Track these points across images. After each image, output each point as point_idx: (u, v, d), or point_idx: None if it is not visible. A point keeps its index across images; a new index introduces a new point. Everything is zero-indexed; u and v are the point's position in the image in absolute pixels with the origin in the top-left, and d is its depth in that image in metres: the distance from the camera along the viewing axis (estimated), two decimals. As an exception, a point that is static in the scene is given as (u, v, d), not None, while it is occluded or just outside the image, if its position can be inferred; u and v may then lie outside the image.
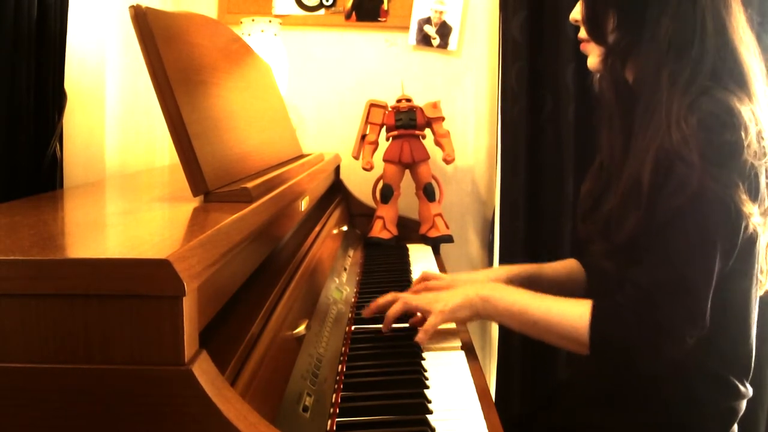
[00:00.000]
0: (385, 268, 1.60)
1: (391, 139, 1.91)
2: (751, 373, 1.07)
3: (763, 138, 0.97)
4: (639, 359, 1.00)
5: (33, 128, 1.27)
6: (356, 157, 1.91)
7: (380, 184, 1.90)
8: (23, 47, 1.23)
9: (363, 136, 1.91)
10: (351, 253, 1.61)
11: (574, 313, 1.02)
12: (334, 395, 0.90)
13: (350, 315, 1.24)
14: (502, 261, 2.02)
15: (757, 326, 1.09)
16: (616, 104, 1.11)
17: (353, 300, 1.34)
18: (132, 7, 0.88)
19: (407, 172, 1.92)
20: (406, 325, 1.17)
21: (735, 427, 1.08)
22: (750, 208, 0.95)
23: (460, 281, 1.24)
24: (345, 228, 1.73)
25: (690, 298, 0.96)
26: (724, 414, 1.06)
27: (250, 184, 0.93)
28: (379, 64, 2.11)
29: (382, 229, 1.84)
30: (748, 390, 1.07)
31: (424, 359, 1.05)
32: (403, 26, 2.09)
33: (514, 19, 1.95)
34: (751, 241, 1.01)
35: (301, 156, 1.59)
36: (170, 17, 0.98)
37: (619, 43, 1.06)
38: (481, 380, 0.98)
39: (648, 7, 1.02)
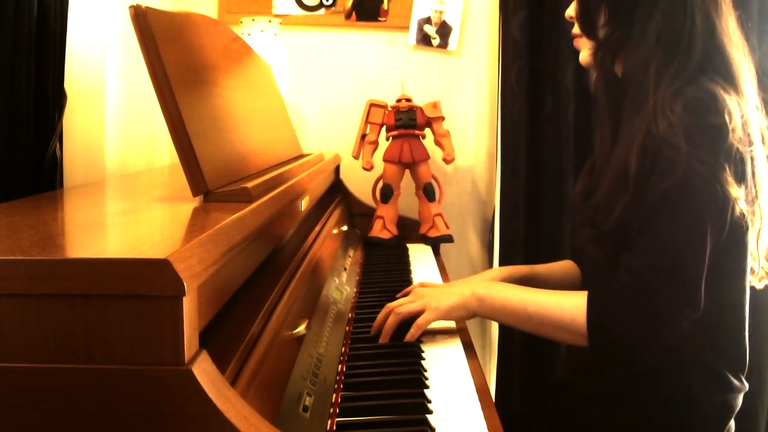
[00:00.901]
0: (385, 268, 1.60)
1: (391, 139, 1.91)
2: (746, 367, 1.08)
3: (748, 126, 0.99)
4: (636, 346, 1.00)
5: (33, 128, 1.28)
6: (356, 157, 1.91)
7: (380, 184, 1.91)
8: (23, 47, 1.23)
9: (363, 136, 1.91)
10: (351, 252, 1.61)
11: (570, 305, 1.02)
12: (334, 395, 0.90)
13: (350, 315, 1.24)
14: (502, 261, 2.03)
15: (758, 324, 1.09)
16: (606, 98, 1.13)
17: (353, 300, 1.33)
18: (132, 7, 0.88)
19: (407, 172, 1.92)
20: (406, 323, 1.16)
21: (732, 423, 1.08)
22: (736, 191, 0.96)
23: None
24: (345, 228, 1.73)
25: (683, 280, 0.97)
26: (720, 409, 1.06)
27: (250, 184, 0.93)
28: (379, 64, 2.11)
29: (382, 229, 1.85)
30: (744, 384, 1.08)
31: (424, 359, 1.05)
32: (403, 26, 2.09)
33: (514, 19, 1.95)
34: (741, 228, 1.02)
35: (301, 156, 1.59)
36: (170, 17, 0.98)
37: (609, 38, 1.08)
38: (481, 379, 0.98)
39: (639, 3, 1.04)
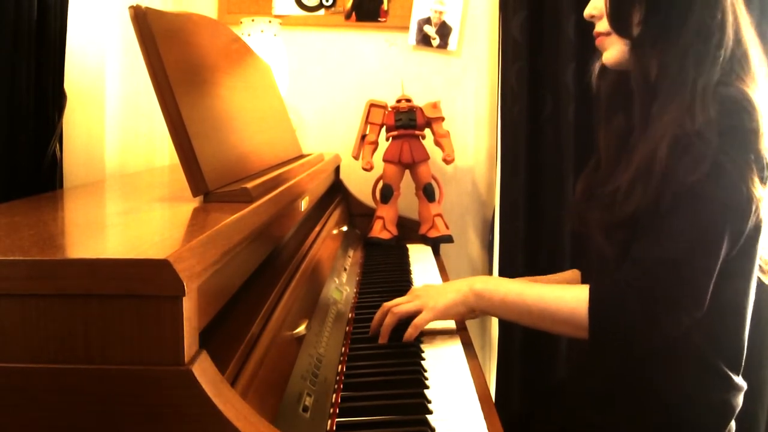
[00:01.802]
0: (385, 268, 1.60)
1: (391, 139, 1.91)
2: (742, 366, 1.08)
3: None
4: (637, 337, 0.99)
5: (33, 128, 1.28)
6: (356, 157, 1.91)
7: (380, 184, 1.91)
8: (23, 47, 1.23)
9: (363, 136, 1.91)
10: (351, 253, 1.61)
11: (571, 296, 1.02)
12: (334, 395, 0.90)
13: (350, 315, 1.24)
14: (502, 261, 2.03)
15: (758, 323, 1.09)
16: (639, 95, 1.09)
17: (353, 300, 1.34)
18: (132, 7, 0.88)
19: (407, 172, 1.92)
20: (406, 323, 1.16)
21: (732, 424, 1.08)
22: (760, 192, 0.96)
23: None
24: (345, 228, 1.73)
25: (693, 278, 0.96)
26: (721, 407, 1.06)
27: (250, 185, 0.93)
28: (379, 64, 2.11)
29: (382, 229, 1.85)
30: (742, 382, 1.08)
31: (424, 359, 1.05)
32: (403, 26, 2.09)
33: (514, 19, 1.95)
34: (757, 231, 1.01)
35: (301, 156, 1.59)
36: (170, 17, 0.98)
37: (647, 34, 1.05)
38: (481, 380, 0.98)
39: None
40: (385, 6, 2.09)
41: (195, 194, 0.89)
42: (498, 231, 2.05)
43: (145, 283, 0.57)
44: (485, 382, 0.99)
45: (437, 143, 1.91)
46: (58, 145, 1.35)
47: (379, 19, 2.09)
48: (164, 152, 1.94)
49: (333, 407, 0.87)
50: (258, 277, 0.91)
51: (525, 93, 1.96)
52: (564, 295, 1.03)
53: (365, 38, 2.11)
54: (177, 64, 0.93)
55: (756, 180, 0.95)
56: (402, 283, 1.43)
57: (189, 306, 0.59)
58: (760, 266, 1.07)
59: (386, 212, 1.86)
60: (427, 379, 0.97)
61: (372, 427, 0.83)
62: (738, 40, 1.04)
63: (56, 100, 1.34)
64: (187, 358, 0.58)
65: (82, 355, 0.57)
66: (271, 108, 1.45)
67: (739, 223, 0.97)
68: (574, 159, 1.95)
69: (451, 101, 2.10)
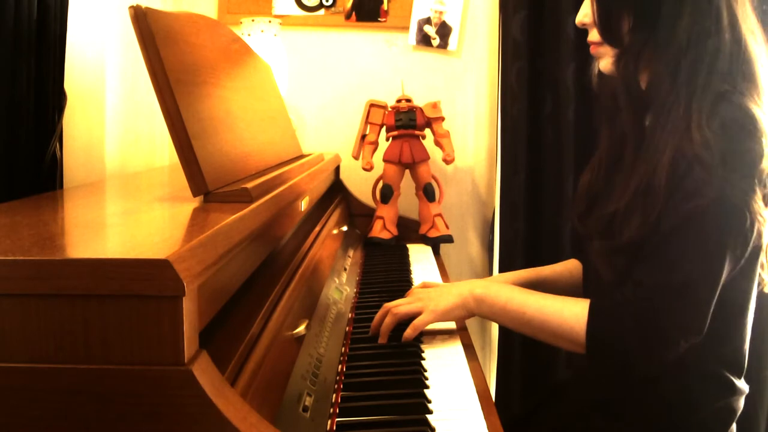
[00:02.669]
0: (385, 268, 1.60)
1: (391, 139, 1.91)
2: (745, 369, 1.08)
3: None
4: (633, 360, 0.99)
5: (33, 128, 1.27)
6: (356, 157, 1.91)
7: (380, 184, 1.91)
8: (23, 47, 1.23)
9: (363, 136, 1.91)
10: (351, 253, 1.61)
11: (570, 312, 1.02)
12: (334, 395, 0.90)
13: (350, 315, 1.24)
14: (502, 261, 2.03)
15: (757, 325, 1.09)
16: (628, 106, 1.08)
17: (353, 300, 1.33)
18: (132, 7, 0.88)
19: (407, 172, 1.92)
20: (406, 323, 1.16)
21: (734, 426, 1.08)
22: (765, 215, 0.94)
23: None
24: (345, 228, 1.73)
25: (692, 304, 0.95)
26: (723, 412, 1.06)
27: (249, 185, 0.93)
28: (379, 64, 2.11)
29: (382, 229, 1.85)
30: (744, 386, 1.07)
31: (424, 359, 1.05)
32: (403, 26, 2.09)
33: (514, 19, 1.95)
34: (759, 249, 1.00)
35: (301, 156, 1.59)
36: (170, 17, 0.98)
37: (635, 44, 1.03)
38: (481, 380, 0.98)
39: (664, 5, 1.00)
40: (385, 6, 2.09)
41: (195, 194, 0.89)
42: (498, 231, 2.05)
43: (145, 283, 0.57)
44: (485, 382, 0.99)
45: (437, 143, 1.91)
46: (58, 145, 1.35)
47: (379, 19, 2.09)
48: (164, 152, 1.94)
49: (333, 407, 0.87)
50: (258, 277, 0.91)
51: (525, 93, 1.96)
52: (564, 310, 1.02)
53: (365, 38, 2.11)
54: (177, 64, 0.93)
55: (760, 202, 0.93)
56: (402, 283, 1.43)
57: (189, 306, 0.59)
58: (761, 263, 1.07)
59: (386, 212, 1.86)
60: (427, 379, 0.97)
61: (372, 427, 0.83)
62: (737, 44, 1.00)
63: (56, 100, 1.34)
64: (187, 358, 0.58)
65: (82, 355, 0.57)
66: (271, 108, 1.45)
67: (740, 247, 0.96)
68: (574, 159, 1.95)
69: (451, 101, 2.10)
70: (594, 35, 1.09)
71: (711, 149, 0.92)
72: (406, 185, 1.93)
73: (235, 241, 0.75)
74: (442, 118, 1.91)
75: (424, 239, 1.88)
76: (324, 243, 1.41)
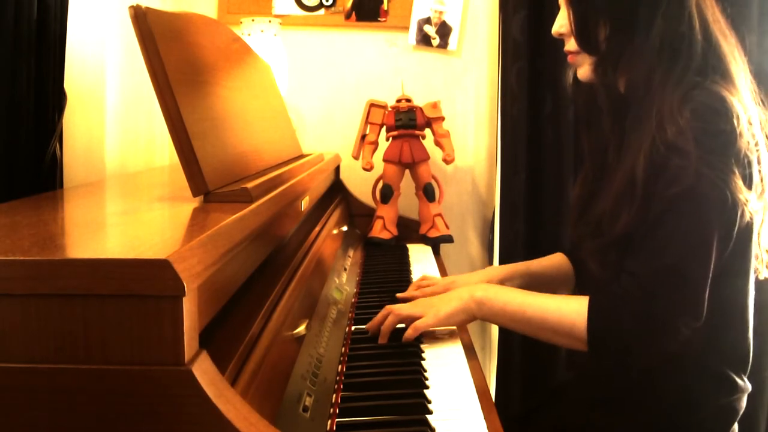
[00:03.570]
0: (385, 268, 1.60)
1: (391, 139, 1.91)
2: (749, 367, 1.08)
3: (751, 124, 0.99)
4: (635, 352, 1.00)
5: (33, 128, 1.27)
6: (356, 157, 1.91)
7: (380, 184, 1.91)
8: (23, 47, 1.23)
9: (363, 136, 1.91)
10: (351, 253, 1.61)
11: (570, 309, 1.02)
12: (334, 395, 0.90)
13: (350, 315, 1.24)
14: (502, 261, 2.02)
15: (758, 324, 1.09)
16: (609, 111, 1.11)
17: (353, 300, 1.33)
18: (132, 7, 0.88)
19: (407, 172, 1.92)
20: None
21: (735, 426, 1.08)
22: (746, 196, 0.96)
23: (455, 284, 1.24)
24: (345, 228, 1.73)
25: (687, 288, 0.96)
26: (724, 411, 1.06)
27: (250, 185, 0.93)
28: (379, 64, 2.11)
29: (382, 229, 1.85)
30: (747, 384, 1.07)
31: (424, 359, 1.05)
32: (403, 26, 2.09)
33: (514, 19, 1.95)
34: (748, 231, 1.01)
35: (301, 156, 1.59)
36: (170, 17, 0.98)
37: (612, 51, 1.06)
38: (481, 380, 0.98)
39: (639, 11, 1.03)
40: (385, 6, 2.09)
41: (195, 194, 0.89)
42: (498, 231, 2.05)
43: (145, 283, 0.57)
44: (485, 382, 0.99)
45: (437, 143, 1.91)
46: (58, 145, 1.35)
47: (379, 19, 2.09)
48: (164, 152, 1.94)
49: (333, 407, 0.87)
50: (258, 277, 0.91)
51: (525, 93, 1.96)
52: (563, 307, 1.03)
53: (365, 38, 2.11)
54: (177, 64, 0.93)
55: (739, 182, 0.95)
56: (402, 283, 1.43)
57: (189, 306, 0.58)
58: (755, 255, 1.07)
59: (386, 212, 1.86)
60: (427, 379, 0.97)
61: (372, 427, 0.83)
62: (708, 44, 1.03)
63: (56, 100, 1.34)
64: (187, 358, 0.58)
65: (82, 355, 0.57)
66: (271, 108, 1.45)
67: (726, 226, 0.97)
68: (574, 159, 1.95)
69: (451, 101, 2.10)
70: (571, 44, 1.12)
71: (685, 134, 0.94)
72: (406, 185, 1.93)
73: (236, 241, 0.75)
74: (442, 118, 1.91)
75: (424, 239, 1.88)
76: (324, 243, 1.41)
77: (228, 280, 0.76)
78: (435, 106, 1.91)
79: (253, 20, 1.89)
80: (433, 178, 1.91)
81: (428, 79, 2.11)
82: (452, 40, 2.10)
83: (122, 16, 1.58)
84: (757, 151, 0.99)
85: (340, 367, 1.01)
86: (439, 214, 1.88)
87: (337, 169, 1.95)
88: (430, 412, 0.86)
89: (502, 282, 1.26)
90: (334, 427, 0.83)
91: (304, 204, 1.29)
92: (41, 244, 0.67)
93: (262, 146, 1.23)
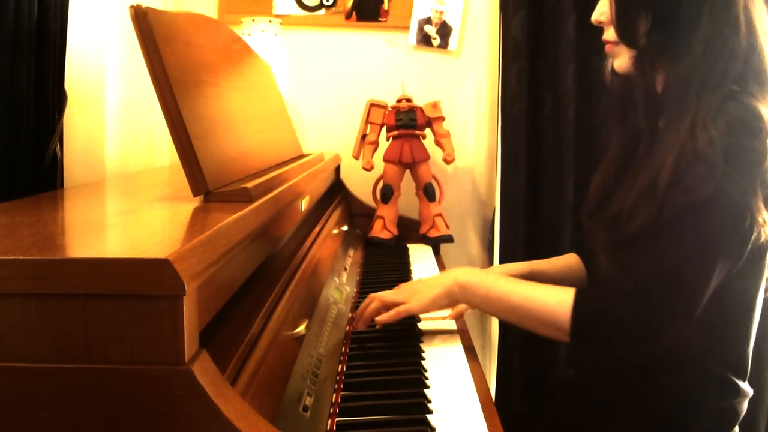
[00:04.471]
0: (385, 268, 1.60)
1: (391, 139, 1.91)
2: (748, 371, 1.07)
3: None
4: (618, 346, 0.99)
5: (33, 128, 1.27)
6: (356, 157, 1.91)
7: (380, 184, 1.91)
8: (23, 47, 1.23)
9: (363, 136, 1.91)
10: (351, 253, 1.61)
11: (554, 299, 1.01)
12: (334, 395, 0.90)
13: (350, 315, 1.24)
14: (502, 261, 2.02)
15: (760, 327, 1.09)
16: (644, 108, 1.07)
17: (353, 300, 1.33)
18: (132, 7, 0.88)
19: (407, 172, 1.92)
20: (406, 323, 1.17)
21: (737, 429, 1.08)
22: (765, 217, 0.94)
23: None
24: (345, 228, 1.73)
25: (682, 296, 0.95)
26: (725, 414, 1.06)
27: (250, 184, 0.93)
28: (379, 64, 2.11)
29: (382, 229, 1.84)
30: (748, 389, 1.07)
31: (424, 359, 1.05)
32: (403, 26, 2.09)
33: (514, 19, 1.95)
34: (762, 252, 1.00)
35: (301, 156, 1.59)
36: (170, 17, 0.98)
37: (652, 46, 1.03)
38: (481, 380, 0.98)
39: (683, 7, 1.00)
40: (385, 6, 2.09)
41: (195, 194, 0.89)
42: (498, 231, 2.05)
43: (146, 282, 0.57)
44: (485, 382, 0.99)
45: (437, 143, 1.91)
46: (58, 145, 1.35)
47: (380, 19, 2.09)
48: (164, 152, 1.94)
49: (333, 407, 0.87)
50: (258, 277, 0.91)
51: (525, 93, 1.96)
52: (549, 297, 1.02)
53: (365, 38, 2.11)
54: (177, 64, 0.93)
55: (760, 203, 0.93)
56: (402, 283, 1.43)
57: (189, 306, 0.59)
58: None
59: (386, 212, 1.86)
60: (427, 379, 0.97)
61: (372, 426, 0.83)
62: (753, 48, 0.99)
63: (56, 100, 1.34)
64: (187, 358, 0.58)
65: (82, 355, 0.57)
66: (271, 108, 1.45)
67: (739, 245, 0.95)
68: (574, 159, 1.95)
69: (451, 101, 2.10)
70: (610, 34, 1.09)
71: (714, 146, 0.92)
72: (406, 185, 1.93)
73: (235, 240, 0.75)
74: (443, 118, 1.91)
75: (425, 239, 1.88)
76: (324, 243, 1.41)
77: (228, 280, 0.76)
78: (435, 106, 1.91)
79: (253, 20, 1.89)
80: (434, 178, 1.91)
81: (428, 79, 2.11)
82: (452, 40, 2.10)
83: (122, 16, 1.58)
84: None
85: (340, 366, 1.01)
86: (440, 214, 1.88)
87: (337, 169, 1.95)
88: (430, 412, 0.86)
89: None
90: (334, 427, 0.83)
91: (304, 204, 1.28)
92: (41, 244, 0.67)
93: (262, 146, 1.23)
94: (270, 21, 1.90)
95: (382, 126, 1.91)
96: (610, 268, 1.05)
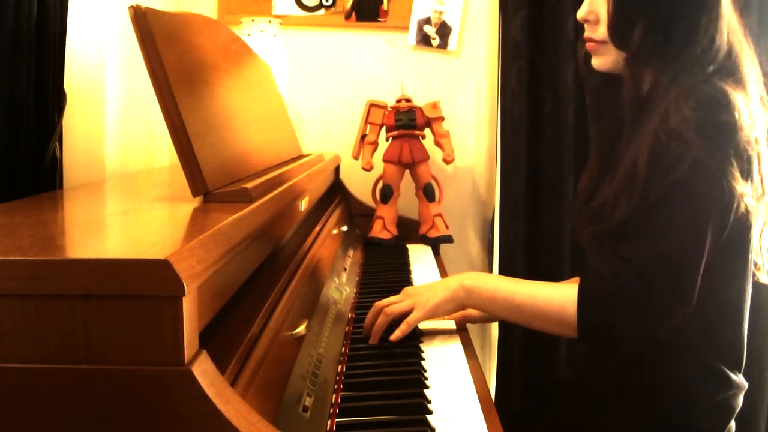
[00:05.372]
0: (385, 268, 1.60)
1: (390, 139, 1.91)
2: (743, 365, 1.08)
3: (755, 126, 0.99)
4: (624, 337, 1.00)
5: (33, 128, 1.27)
6: (356, 157, 1.91)
7: (380, 184, 1.91)
8: (23, 47, 1.23)
9: (363, 136, 1.91)
10: (351, 253, 1.61)
11: (560, 295, 1.02)
12: (334, 395, 0.90)
13: (350, 315, 1.24)
14: (502, 261, 2.03)
15: (758, 323, 1.09)
16: (630, 108, 1.09)
17: (353, 300, 1.34)
18: (132, 7, 0.88)
19: (407, 172, 1.92)
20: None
21: (732, 424, 1.08)
22: (742, 187, 0.96)
23: None
24: (345, 228, 1.73)
25: (680, 274, 0.97)
26: (720, 408, 1.06)
27: (249, 185, 0.93)
28: (379, 64, 2.11)
29: (382, 229, 1.85)
30: (742, 381, 1.08)
31: (424, 359, 1.05)
32: (403, 26, 2.09)
33: (514, 19, 1.95)
34: (744, 226, 1.01)
35: (301, 156, 1.59)
36: (170, 17, 0.98)
37: (643, 50, 1.05)
38: (481, 380, 0.98)
39: (681, 17, 1.03)
40: (385, 6, 2.09)
41: (195, 194, 0.89)
42: (498, 231, 2.05)
43: (145, 283, 0.57)
44: (485, 382, 0.99)
45: (437, 143, 1.91)
46: (58, 145, 1.35)
47: (379, 19, 2.09)
48: (164, 152, 1.94)
49: (333, 407, 0.87)
50: (258, 277, 0.91)
51: (525, 93, 1.96)
52: (553, 294, 1.03)
53: (365, 38, 2.11)
54: (177, 64, 0.93)
55: (737, 175, 0.96)
56: (402, 283, 1.43)
57: (189, 306, 0.59)
58: (754, 262, 1.07)
59: (386, 212, 1.86)
60: (427, 379, 0.97)
61: (372, 427, 0.83)
62: (731, 48, 1.04)
63: (56, 100, 1.34)
64: (187, 358, 0.58)
65: (82, 355, 0.57)
66: (271, 108, 1.45)
67: (721, 216, 0.98)
68: (574, 159, 1.95)
69: (451, 101, 2.10)
70: (597, 33, 1.09)
71: (687, 123, 0.95)
72: (406, 185, 1.93)
73: (235, 241, 0.75)
74: (442, 118, 1.91)
75: (424, 239, 1.88)
76: (324, 243, 1.41)
77: (228, 280, 0.76)
78: (435, 106, 1.91)
79: (253, 20, 1.89)
80: (433, 178, 1.91)
81: (428, 79, 2.11)
82: (452, 40, 2.10)
83: (122, 16, 1.58)
84: (757, 150, 0.99)
85: (340, 367, 1.01)
86: (439, 214, 1.88)
87: (337, 169, 1.95)
88: (430, 412, 0.86)
89: None
90: (334, 427, 0.83)
91: (304, 204, 1.29)
92: (41, 244, 0.67)
93: (262, 146, 1.23)
94: (269, 21, 1.90)
95: (381, 126, 1.91)
96: (595, 262, 1.07)
